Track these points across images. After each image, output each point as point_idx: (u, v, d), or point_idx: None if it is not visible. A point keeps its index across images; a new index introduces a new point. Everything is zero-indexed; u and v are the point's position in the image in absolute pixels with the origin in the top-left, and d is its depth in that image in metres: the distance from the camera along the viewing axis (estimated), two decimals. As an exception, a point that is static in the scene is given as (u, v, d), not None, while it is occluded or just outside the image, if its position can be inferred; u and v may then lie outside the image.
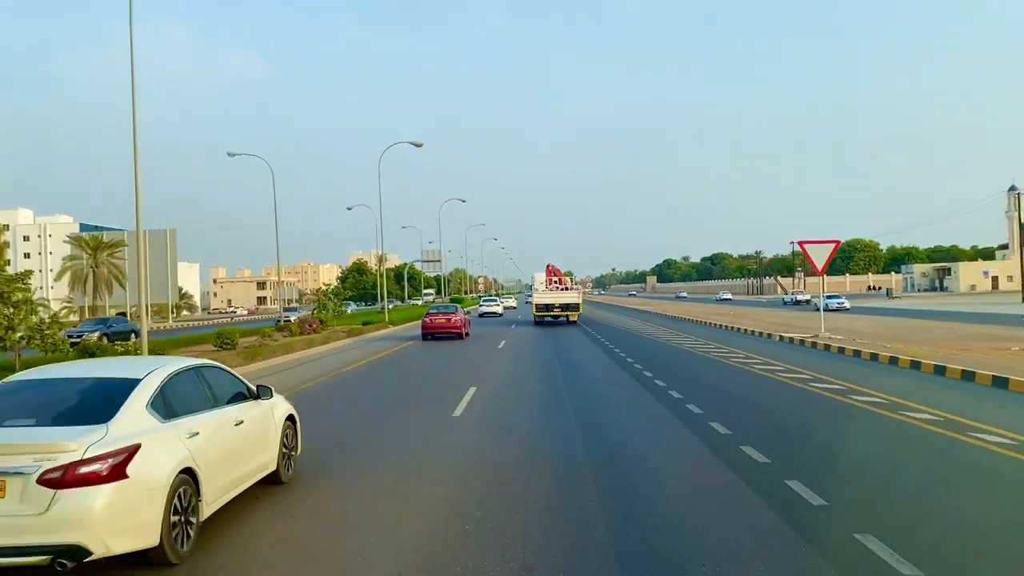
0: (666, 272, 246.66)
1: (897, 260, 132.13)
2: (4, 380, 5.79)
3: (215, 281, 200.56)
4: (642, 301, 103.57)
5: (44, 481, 4.35)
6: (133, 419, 4.99)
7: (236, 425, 6.22)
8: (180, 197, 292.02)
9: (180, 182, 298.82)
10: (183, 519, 5.08)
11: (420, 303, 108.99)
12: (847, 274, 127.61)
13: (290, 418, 7.56)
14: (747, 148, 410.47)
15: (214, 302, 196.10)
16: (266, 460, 6.78)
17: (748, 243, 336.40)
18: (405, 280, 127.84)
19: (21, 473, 4.36)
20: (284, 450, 7.22)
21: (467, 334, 31.49)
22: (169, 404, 5.43)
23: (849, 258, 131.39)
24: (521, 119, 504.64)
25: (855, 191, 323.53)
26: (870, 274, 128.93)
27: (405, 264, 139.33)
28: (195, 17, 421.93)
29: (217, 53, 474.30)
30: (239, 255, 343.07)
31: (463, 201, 65.47)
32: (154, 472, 4.82)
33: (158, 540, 4.77)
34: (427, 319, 31.46)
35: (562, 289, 41.95)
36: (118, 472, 4.55)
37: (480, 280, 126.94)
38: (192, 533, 5.21)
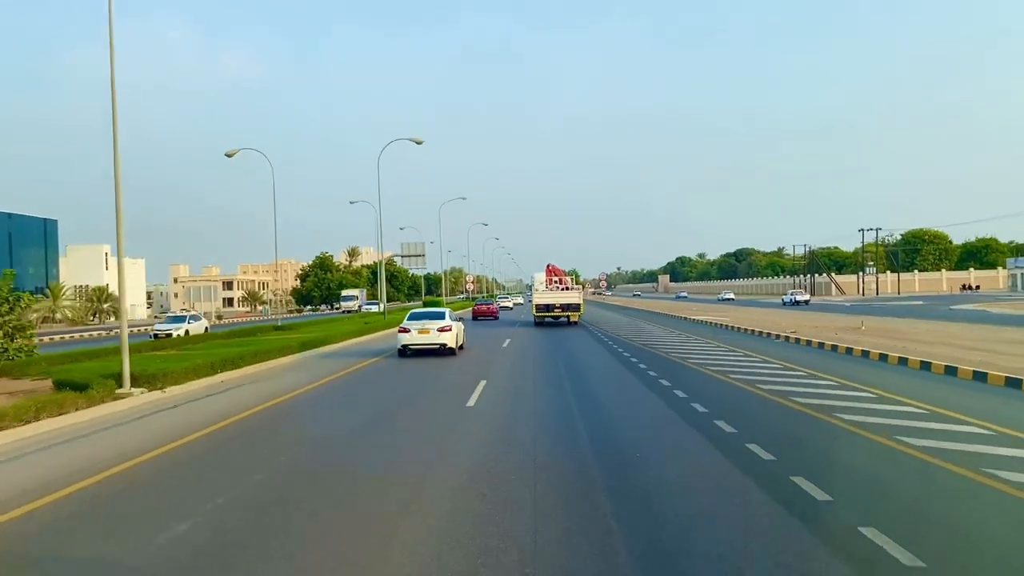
0: (680, 270, 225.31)
1: (972, 254, 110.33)
2: (413, 310, 26.81)
3: (176, 280, 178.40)
4: (643, 302, 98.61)
5: (438, 329, 22.98)
6: (448, 319, 23.85)
7: (458, 326, 25.22)
8: (150, 192, 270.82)
9: (154, 176, 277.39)
10: (458, 345, 24.25)
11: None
12: (915, 271, 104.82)
13: (464, 330, 26.41)
14: (772, 139, 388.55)
15: (175, 304, 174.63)
16: (462, 341, 25.31)
17: (767, 241, 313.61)
18: (382, 278, 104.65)
19: (433, 328, 22.95)
20: (464, 339, 25.89)
21: (497, 316, 53.70)
22: (452, 316, 24.84)
23: (916, 252, 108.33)
24: (524, 116, 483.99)
25: (904, 185, 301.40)
26: (944, 271, 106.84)
27: (382, 260, 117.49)
28: (189, 12, 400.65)
29: (210, 50, 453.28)
30: (216, 253, 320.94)
31: (418, 142, 43.38)
32: (455, 330, 23.85)
33: (456, 347, 23.82)
34: (476, 308, 54.73)
35: (562, 289, 41.36)
36: (450, 329, 23.26)
37: (470, 279, 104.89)
38: (458, 350, 24.13)
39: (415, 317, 23.94)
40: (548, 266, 43.21)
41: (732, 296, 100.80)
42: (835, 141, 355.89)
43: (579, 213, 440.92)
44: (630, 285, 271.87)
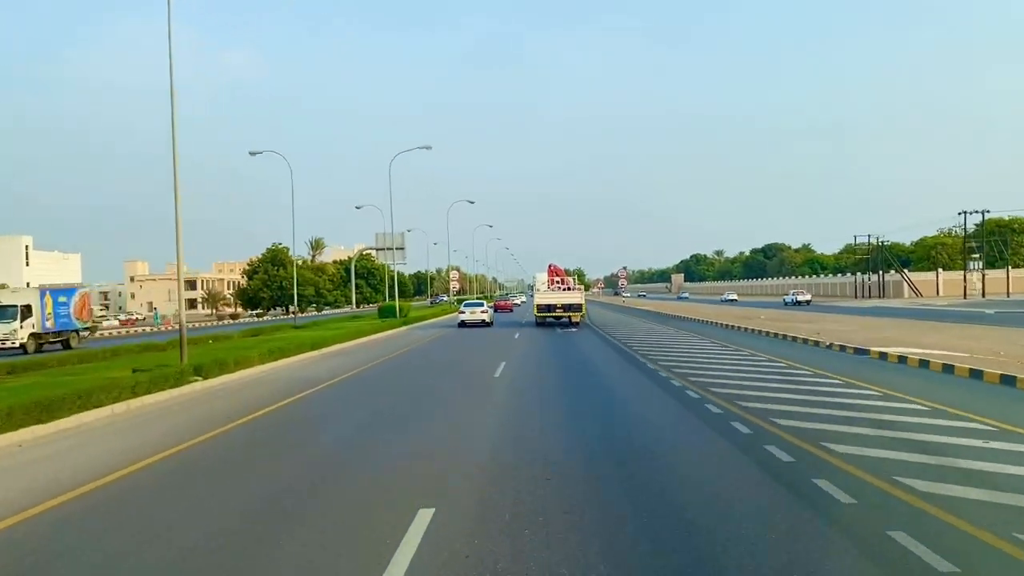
0: (695, 269, 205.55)
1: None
2: (466, 301, 56.82)
3: (132, 279, 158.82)
4: (644, 302, 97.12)
5: (481, 311, 42.45)
6: (486, 306, 44.33)
7: (491, 310, 46.12)
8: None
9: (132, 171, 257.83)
10: (491, 321, 42.76)
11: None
12: (1009, 267, 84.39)
13: (492, 314, 46.96)
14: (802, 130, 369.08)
15: (131, 305, 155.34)
16: (492, 319, 43.83)
17: (786, 239, 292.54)
18: (353, 277, 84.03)
19: (478, 311, 42.50)
20: (492, 318, 44.52)
21: (512, 310, 67.44)
22: (487, 305, 46.71)
23: (1003, 243, 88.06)
24: (525, 116, 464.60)
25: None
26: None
27: (351, 257, 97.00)
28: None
29: (209, 49, 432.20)
30: (195, 251, 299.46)
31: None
32: (490, 312, 43.60)
33: (490, 322, 42.36)
34: (497, 303, 68.42)
35: (564, 289, 41.19)
36: (487, 312, 43.18)
37: (454, 276, 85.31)
38: (491, 324, 42.18)
39: (468, 306, 44.70)
40: (550, 266, 43.02)
41: (735, 297, 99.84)
42: (848, 140, 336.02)
43: (582, 212, 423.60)
44: (637, 285, 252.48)
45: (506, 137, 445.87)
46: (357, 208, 63.66)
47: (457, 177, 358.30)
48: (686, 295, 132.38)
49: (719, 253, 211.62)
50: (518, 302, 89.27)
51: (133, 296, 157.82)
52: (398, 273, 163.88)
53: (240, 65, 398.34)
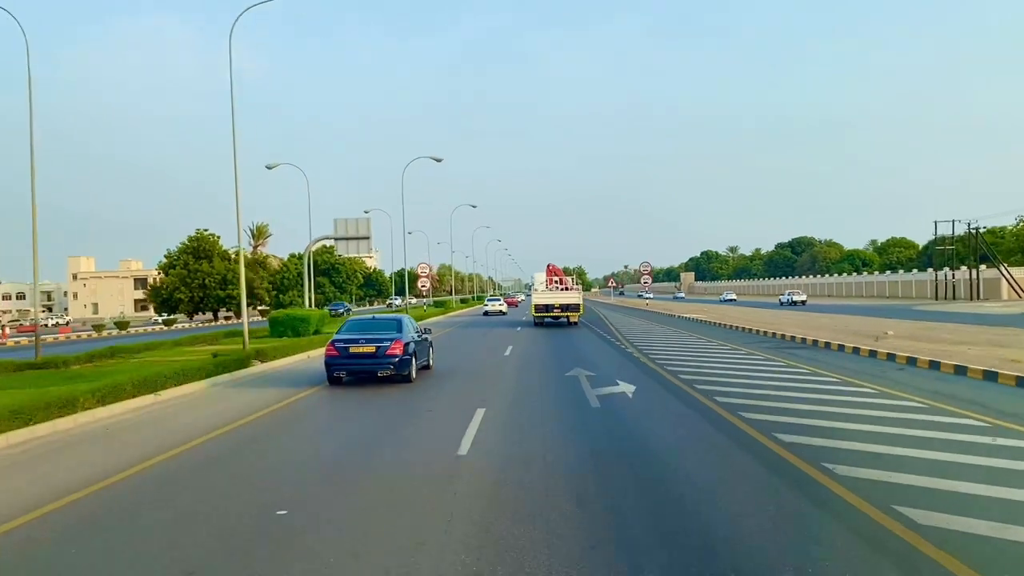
0: (706, 267, 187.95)
1: None
2: (488, 297, 77.56)
3: (75, 277, 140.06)
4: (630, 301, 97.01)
5: (498, 304, 61.04)
6: (503, 301, 68.63)
7: (506, 305, 67.59)
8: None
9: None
10: (506, 311, 62.93)
11: None
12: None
13: (506, 308, 66.12)
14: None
15: (74, 307, 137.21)
16: (506, 310, 62.78)
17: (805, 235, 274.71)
18: (308, 272, 63.17)
19: (496, 304, 61.84)
20: (506, 310, 63.47)
21: (517, 305, 78.35)
22: (503, 301, 69.98)
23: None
24: (526, 116, 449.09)
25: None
26: None
27: (298, 254, 78.29)
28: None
29: (209, 47, 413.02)
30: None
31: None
32: (505, 305, 65.39)
33: (507, 312, 62.01)
34: (506, 300, 74.36)
35: (562, 289, 41.06)
36: (504, 305, 64.74)
37: (424, 272, 67.38)
38: (507, 312, 62.98)
39: (491, 300, 60.96)
40: (548, 266, 42.54)
41: (734, 296, 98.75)
42: (858, 138, 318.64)
43: (584, 211, 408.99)
44: (637, 285, 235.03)
45: (506, 137, 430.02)
46: (268, 168, 44.04)
47: (458, 178, 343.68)
48: (682, 295, 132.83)
49: (733, 249, 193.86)
50: (520, 299, 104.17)
51: (76, 296, 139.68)
52: (373, 270, 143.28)
53: (241, 65, 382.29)
